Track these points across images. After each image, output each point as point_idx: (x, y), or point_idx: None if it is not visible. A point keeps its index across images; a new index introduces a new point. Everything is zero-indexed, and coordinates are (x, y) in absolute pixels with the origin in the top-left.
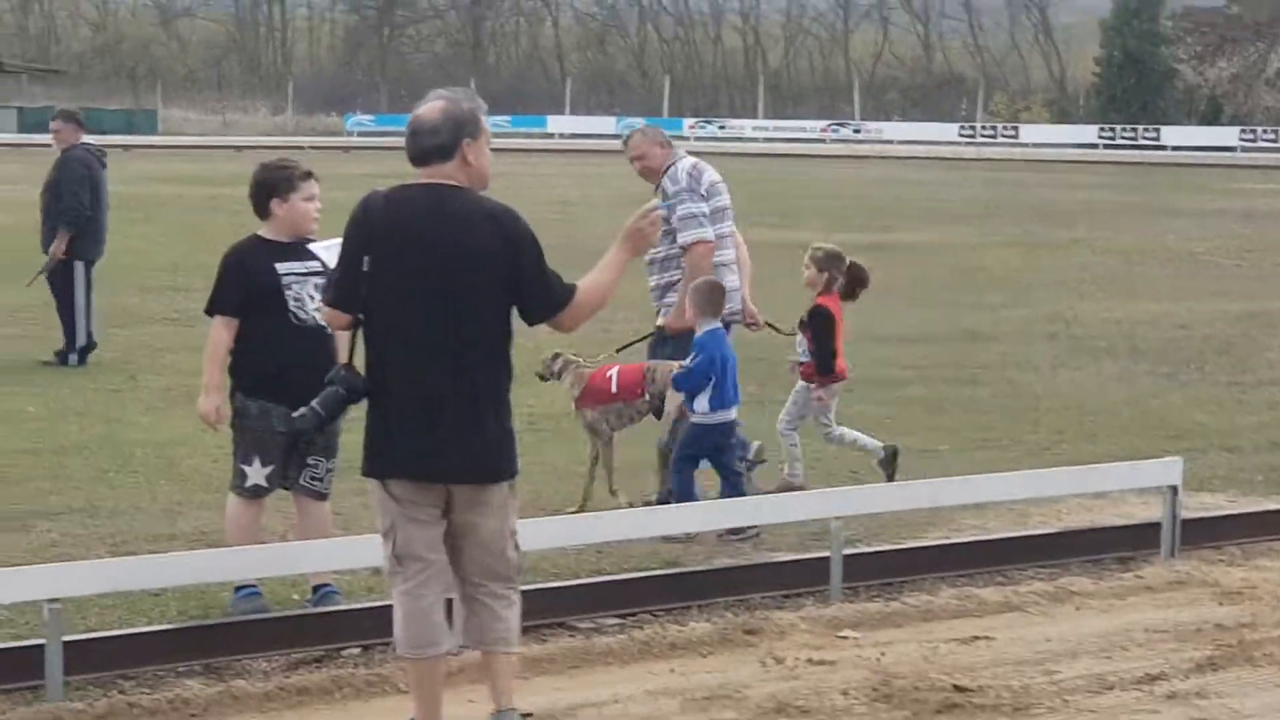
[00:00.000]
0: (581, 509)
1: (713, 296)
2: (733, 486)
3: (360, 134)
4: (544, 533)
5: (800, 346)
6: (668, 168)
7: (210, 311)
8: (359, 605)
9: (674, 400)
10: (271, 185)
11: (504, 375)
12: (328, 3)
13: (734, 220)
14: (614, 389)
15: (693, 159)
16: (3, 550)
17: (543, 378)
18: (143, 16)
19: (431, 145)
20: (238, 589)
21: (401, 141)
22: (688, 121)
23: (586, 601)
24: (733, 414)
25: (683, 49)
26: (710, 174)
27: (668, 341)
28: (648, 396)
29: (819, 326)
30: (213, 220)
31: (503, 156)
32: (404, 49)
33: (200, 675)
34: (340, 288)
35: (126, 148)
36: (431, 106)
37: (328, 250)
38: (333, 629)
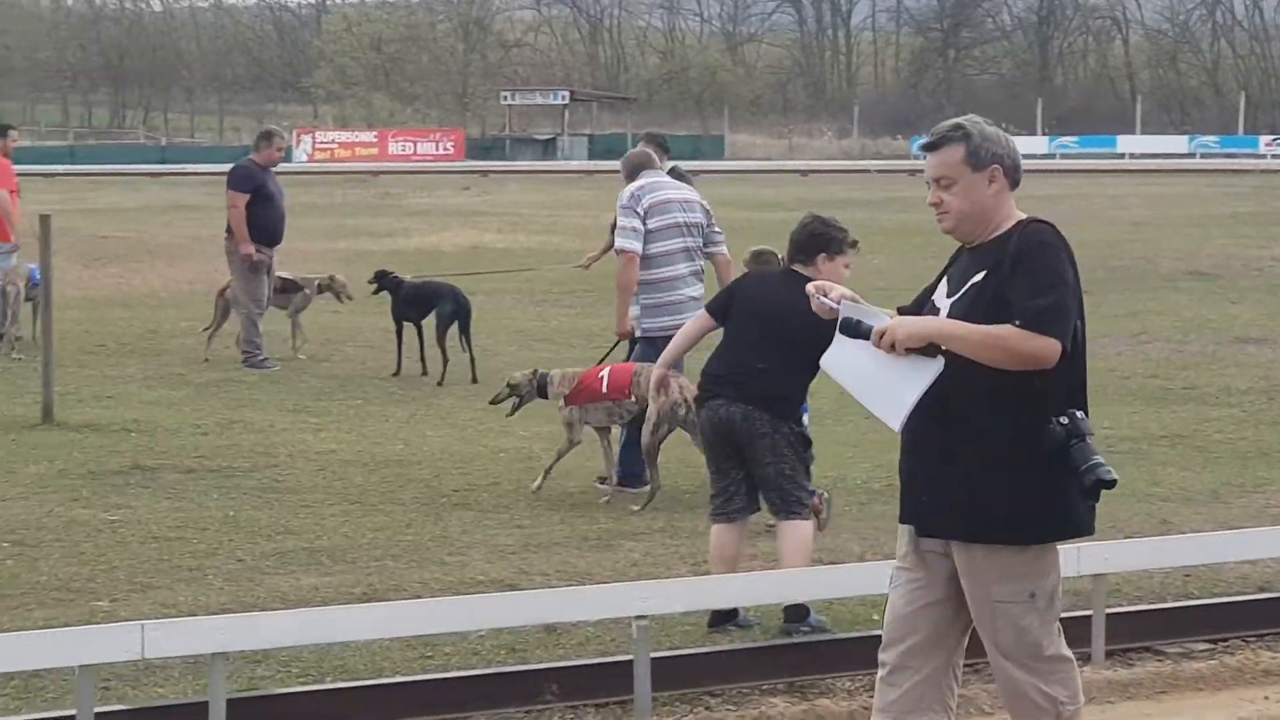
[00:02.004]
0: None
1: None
2: None
3: None
4: (1132, 554)
5: None
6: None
7: None
8: None
9: (654, 404)
10: (828, 240)
11: None
12: (893, 25)
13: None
14: (604, 389)
15: (644, 183)
16: (590, 569)
17: (499, 400)
18: (709, 43)
19: None
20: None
21: None
22: (1264, 139)
23: (1175, 626)
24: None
25: (1259, 64)
26: (656, 196)
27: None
28: (634, 397)
29: None
30: (782, 245)
31: (1071, 177)
32: (969, 70)
33: (784, 693)
34: (1071, 324)
35: (695, 173)
36: None
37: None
38: None
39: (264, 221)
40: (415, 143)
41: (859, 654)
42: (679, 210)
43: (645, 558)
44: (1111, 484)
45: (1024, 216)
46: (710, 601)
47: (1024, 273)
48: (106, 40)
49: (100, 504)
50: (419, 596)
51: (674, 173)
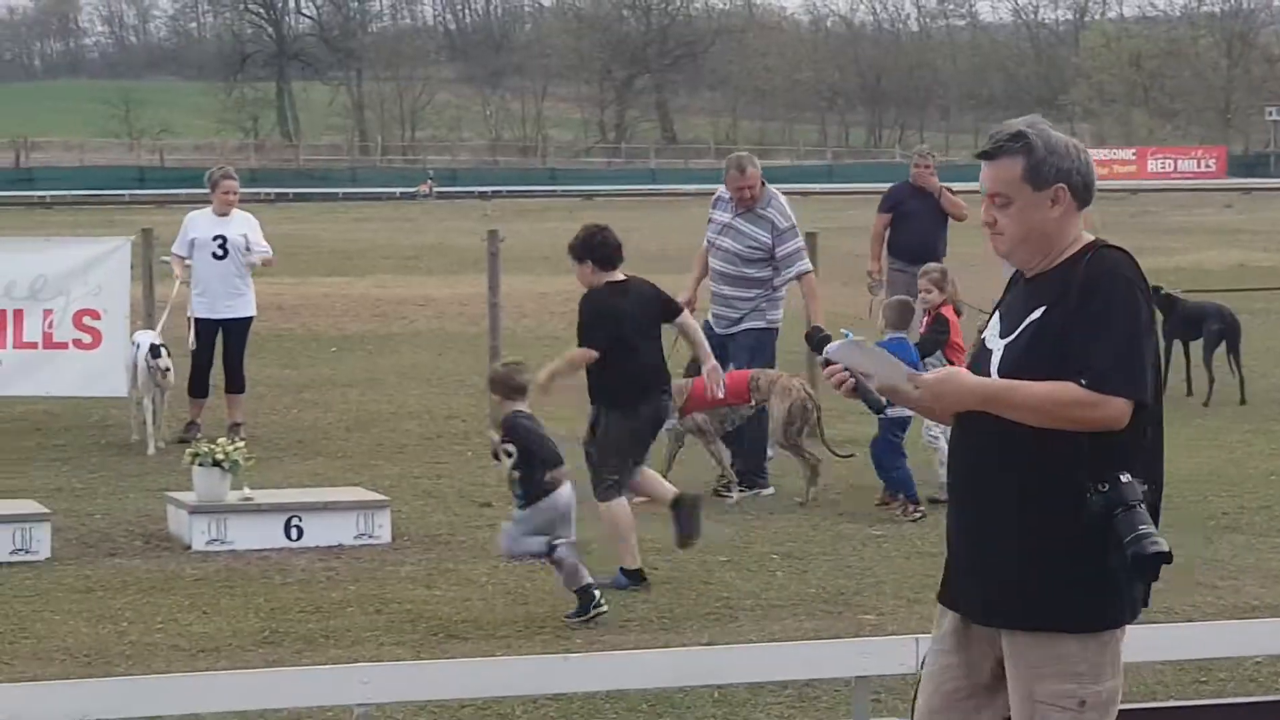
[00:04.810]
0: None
1: (903, 313)
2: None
3: None
4: None
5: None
6: (769, 200)
7: None
8: None
9: (781, 405)
10: None
11: None
12: None
13: None
14: (720, 394)
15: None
16: None
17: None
18: None
19: None
20: None
21: None
22: None
23: None
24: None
25: None
26: None
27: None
28: (754, 401)
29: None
30: None
31: None
32: None
33: None
34: (1146, 374)
35: None
36: None
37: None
38: None
39: (901, 239)
40: (1175, 160)
41: None
42: None
43: None
44: (1158, 558)
45: (1091, 239)
46: None
47: (1088, 312)
48: (864, 60)
49: (865, 519)
50: (1189, 620)
51: None
